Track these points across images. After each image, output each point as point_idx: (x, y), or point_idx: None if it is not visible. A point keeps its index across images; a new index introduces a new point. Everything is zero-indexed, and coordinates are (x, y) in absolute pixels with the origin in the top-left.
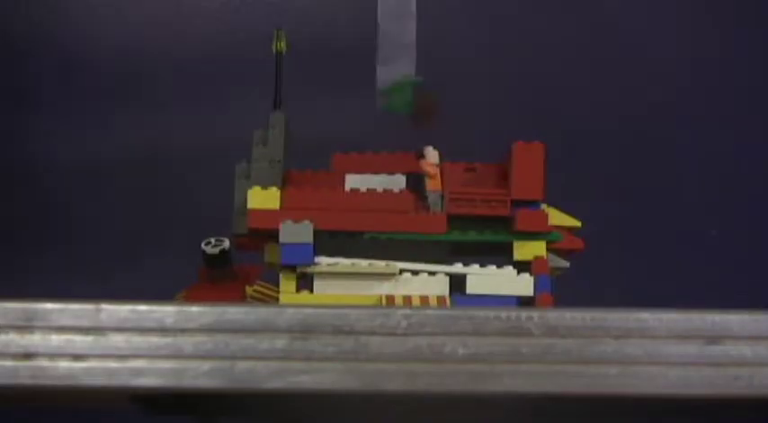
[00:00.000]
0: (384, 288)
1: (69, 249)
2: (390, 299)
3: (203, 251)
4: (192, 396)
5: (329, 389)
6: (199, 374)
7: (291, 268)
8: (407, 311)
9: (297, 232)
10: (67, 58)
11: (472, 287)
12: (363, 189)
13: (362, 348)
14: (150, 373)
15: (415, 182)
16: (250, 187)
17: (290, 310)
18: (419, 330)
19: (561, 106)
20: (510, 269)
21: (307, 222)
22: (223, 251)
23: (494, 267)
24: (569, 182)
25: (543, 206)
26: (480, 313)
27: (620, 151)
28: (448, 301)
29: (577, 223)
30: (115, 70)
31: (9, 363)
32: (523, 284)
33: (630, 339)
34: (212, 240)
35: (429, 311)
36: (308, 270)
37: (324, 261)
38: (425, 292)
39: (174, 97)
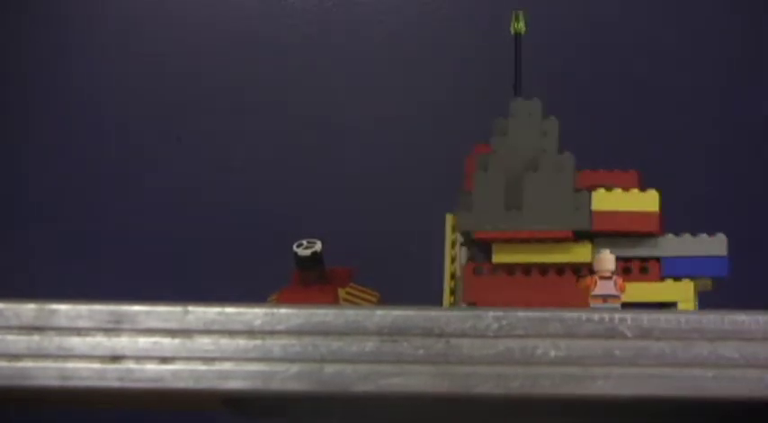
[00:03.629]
0: None
1: (162, 252)
2: None
3: (295, 253)
4: (280, 399)
5: (419, 392)
6: (287, 377)
7: None
8: (498, 314)
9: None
10: None
11: None
12: None
13: (453, 351)
14: (238, 376)
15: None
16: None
17: (380, 313)
18: (510, 332)
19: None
20: None
21: (721, 235)
22: (315, 253)
23: None
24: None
25: None
26: (572, 315)
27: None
28: None
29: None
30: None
31: (96, 365)
32: None
33: (726, 341)
34: (304, 242)
35: (520, 313)
36: None
37: None
38: None
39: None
